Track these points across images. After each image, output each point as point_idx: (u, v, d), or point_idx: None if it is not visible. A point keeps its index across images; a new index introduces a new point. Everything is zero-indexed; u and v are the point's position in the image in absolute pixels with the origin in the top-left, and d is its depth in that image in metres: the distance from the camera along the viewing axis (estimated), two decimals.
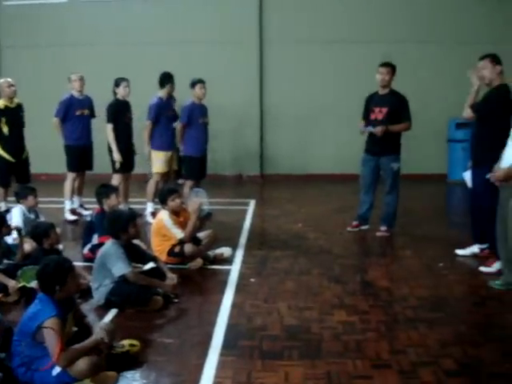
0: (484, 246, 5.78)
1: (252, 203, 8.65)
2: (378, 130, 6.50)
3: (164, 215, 5.62)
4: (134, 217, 4.89)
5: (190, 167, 7.54)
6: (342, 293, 4.87)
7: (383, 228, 6.82)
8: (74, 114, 7.64)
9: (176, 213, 5.67)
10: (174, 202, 5.63)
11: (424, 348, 3.82)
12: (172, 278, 4.75)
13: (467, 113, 5.41)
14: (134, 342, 3.73)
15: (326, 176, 10.88)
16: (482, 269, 5.48)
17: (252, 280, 5.19)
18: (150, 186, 7.65)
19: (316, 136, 10.97)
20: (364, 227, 7.04)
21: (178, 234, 5.51)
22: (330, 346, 3.84)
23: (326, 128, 10.87)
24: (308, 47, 10.74)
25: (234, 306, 4.56)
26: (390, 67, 6.60)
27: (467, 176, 5.77)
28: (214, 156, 9.93)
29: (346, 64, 10.68)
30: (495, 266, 5.40)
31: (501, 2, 10.62)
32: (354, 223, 7.06)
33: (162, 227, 5.59)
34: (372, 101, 6.80)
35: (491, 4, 10.65)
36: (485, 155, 5.23)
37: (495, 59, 5.38)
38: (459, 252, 5.96)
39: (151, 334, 4.10)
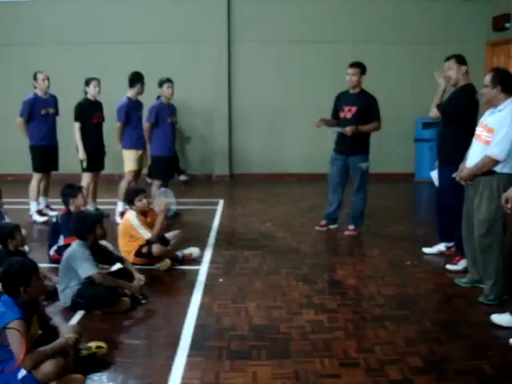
0: (450, 244, 5.86)
1: (221, 203, 8.62)
2: (348, 129, 6.53)
3: (131, 215, 5.57)
4: (100, 218, 4.83)
5: (158, 167, 7.48)
6: (311, 292, 4.89)
7: (351, 227, 6.86)
8: (39, 114, 7.52)
9: (143, 213, 5.63)
10: (140, 202, 5.58)
11: (391, 346, 3.86)
12: (139, 279, 4.71)
13: (434, 112, 5.47)
14: (101, 344, 3.69)
15: (294, 175, 10.91)
16: (449, 267, 5.56)
17: (220, 280, 5.18)
18: (122, 186, 7.57)
19: (284, 135, 10.99)
20: (333, 226, 7.08)
21: (146, 234, 5.47)
22: (299, 345, 3.86)
23: (294, 127, 10.88)
24: (276, 47, 10.74)
25: (203, 306, 4.55)
26: (359, 68, 6.63)
27: (434, 175, 5.84)
28: (182, 156, 9.93)
29: (314, 64, 10.72)
30: (461, 264, 5.48)
31: (465, 3, 10.78)
32: (323, 222, 7.09)
33: (129, 227, 5.54)
34: (342, 99, 6.84)
35: (456, 5, 10.80)
36: (451, 154, 5.30)
37: (460, 60, 5.45)
38: (426, 250, 6.04)
39: (118, 336, 4.07)
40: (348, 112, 6.66)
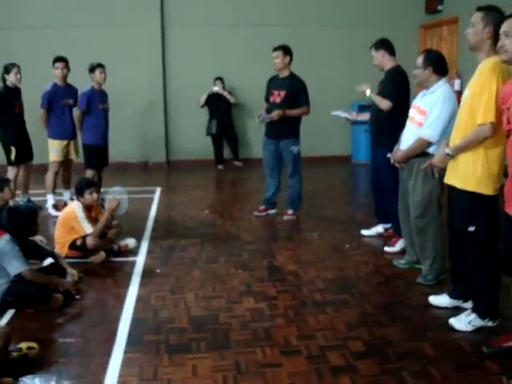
0: (388, 225, 5.91)
1: (158, 191, 8.44)
2: (274, 114, 6.49)
3: (77, 207, 5.32)
4: (35, 214, 4.59)
5: (90, 156, 7.21)
6: (250, 279, 4.82)
7: (289, 211, 6.84)
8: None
9: (88, 207, 5.42)
10: (90, 196, 5.37)
11: (332, 331, 3.84)
12: (72, 274, 4.54)
13: (386, 104, 5.41)
14: (33, 344, 3.52)
15: (233, 160, 10.79)
16: (386, 249, 5.61)
17: (158, 271, 5.04)
18: (48, 177, 7.28)
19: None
20: (271, 211, 7.03)
21: (88, 228, 5.25)
22: (239, 335, 3.78)
23: (230, 112, 10.74)
24: (212, 30, 10.53)
25: (140, 299, 4.40)
26: (281, 50, 6.55)
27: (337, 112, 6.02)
28: (117, 143, 9.65)
29: (250, 48, 10.58)
30: (398, 245, 5.53)
31: None
32: (261, 208, 7.04)
33: (72, 219, 5.28)
34: (272, 84, 6.79)
35: None
36: (384, 136, 5.32)
37: (377, 45, 5.59)
38: (364, 232, 6.07)
39: (51, 335, 3.90)
40: (277, 96, 6.61)
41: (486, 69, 3.50)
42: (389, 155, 4.98)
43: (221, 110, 10.36)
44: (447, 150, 3.70)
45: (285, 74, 6.63)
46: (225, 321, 3.99)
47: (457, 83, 8.97)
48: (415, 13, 10.76)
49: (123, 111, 10.09)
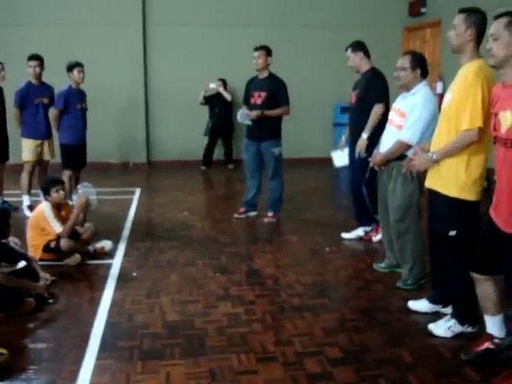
0: (368, 228, 5.87)
1: (137, 192, 8.33)
2: (254, 113, 6.43)
3: (45, 207, 5.21)
4: (6, 214, 4.47)
5: (67, 156, 7.08)
6: (228, 283, 4.73)
7: (270, 214, 6.77)
8: None
9: (58, 206, 5.30)
10: (57, 194, 5.24)
11: (309, 337, 3.76)
12: (45, 278, 4.42)
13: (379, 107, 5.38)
14: (2, 350, 3.40)
15: (214, 162, 10.70)
16: (374, 239, 5.76)
17: (134, 274, 4.93)
18: (23, 178, 7.14)
19: (203, 120, 10.73)
20: (252, 213, 6.96)
21: (57, 227, 5.14)
22: (214, 341, 3.69)
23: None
24: (194, 30, 10.46)
25: (114, 303, 4.30)
26: (264, 50, 6.49)
27: (335, 155, 5.92)
28: (97, 143, 9.54)
29: (233, 48, 10.51)
30: (380, 236, 5.57)
31: None
32: (241, 210, 6.97)
33: (41, 219, 5.17)
34: (251, 85, 6.72)
35: None
36: (368, 139, 5.28)
37: (355, 47, 5.60)
38: (344, 236, 6.02)
39: (22, 340, 3.77)
40: (258, 98, 6.54)
41: (470, 73, 3.45)
42: (357, 151, 5.01)
43: (217, 109, 10.25)
44: (432, 154, 3.64)
45: (264, 74, 6.57)
46: (200, 326, 3.90)
47: (439, 86, 8.97)
48: (398, 15, 10.77)
49: (104, 111, 10.00)
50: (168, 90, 10.59)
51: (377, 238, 5.72)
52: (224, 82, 10.24)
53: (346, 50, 5.65)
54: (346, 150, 5.99)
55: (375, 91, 5.33)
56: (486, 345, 3.43)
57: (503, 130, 2.96)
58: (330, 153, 6.07)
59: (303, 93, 10.47)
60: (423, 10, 10.07)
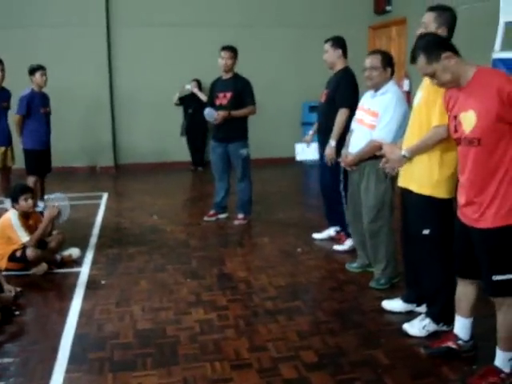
0: (340, 228, 5.83)
1: (105, 196, 8.17)
2: (220, 114, 6.36)
3: (12, 215, 5.05)
4: None
5: (31, 161, 6.90)
6: (199, 288, 4.65)
7: (240, 216, 6.70)
8: None
9: (25, 215, 5.15)
10: (25, 203, 5.07)
11: (284, 341, 3.70)
12: (9, 290, 4.27)
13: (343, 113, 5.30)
14: None
15: (183, 164, 10.59)
16: (335, 247, 5.62)
17: (103, 282, 4.81)
18: None
19: (170, 123, 10.61)
20: (222, 216, 6.88)
21: (23, 237, 4.98)
22: (187, 349, 3.61)
23: (179, 114, 10.52)
24: (159, 31, 10.30)
25: (83, 313, 4.17)
26: (232, 51, 6.42)
27: (298, 148, 5.86)
28: (62, 147, 9.36)
29: (198, 48, 10.39)
30: (347, 244, 5.52)
31: None
32: (211, 212, 6.88)
33: (7, 227, 5.00)
34: (216, 86, 6.64)
35: None
36: (329, 136, 5.22)
37: (335, 43, 5.43)
38: (316, 236, 5.98)
39: None
40: (223, 98, 6.46)
41: None
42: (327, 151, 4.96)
43: (191, 110, 10.15)
44: (403, 152, 3.61)
45: (229, 75, 6.50)
46: (172, 334, 3.81)
47: (406, 84, 9.02)
48: (364, 13, 10.77)
49: (68, 114, 9.81)
50: (135, 92, 10.43)
51: (340, 247, 5.63)
52: (199, 83, 10.15)
53: (326, 43, 5.47)
54: (312, 146, 5.93)
55: (342, 94, 5.21)
56: (449, 343, 3.47)
57: (467, 130, 2.96)
58: (294, 144, 5.98)
59: (270, 92, 10.43)
60: (388, 8, 10.08)
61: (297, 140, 10.85)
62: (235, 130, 6.47)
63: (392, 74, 4.48)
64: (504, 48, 5.54)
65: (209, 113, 6.46)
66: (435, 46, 3.02)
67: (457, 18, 3.61)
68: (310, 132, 6.01)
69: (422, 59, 3.03)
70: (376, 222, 4.53)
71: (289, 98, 10.80)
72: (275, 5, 10.68)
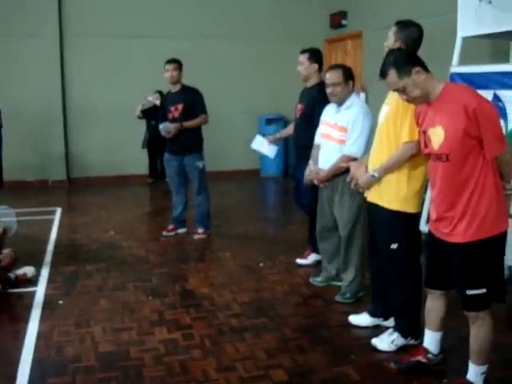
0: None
1: (58, 212, 7.93)
2: (172, 126, 6.28)
3: None
4: None
5: None
6: (162, 307, 4.50)
7: (200, 230, 6.59)
8: None
9: None
10: None
11: (252, 360, 3.61)
12: None
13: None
14: None
15: (139, 177, 10.42)
16: (298, 261, 5.55)
17: (60, 302, 4.60)
18: None
19: (125, 135, 10.41)
20: (181, 230, 6.75)
21: None
22: (152, 371, 3.47)
23: (134, 127, 10.34)
24: (113, 41, 10.11)
25: (41, 335, 3.97)
26: (176, 63, 6.35)
27: (258, 139, 5.84)
28: (12, 160, 9.08)
29: (154, 60, 10.21)
30: (311, 258, 5.47)
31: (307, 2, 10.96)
32: (170, 227, 6.74)
33: None
34: (167, 100, 6.56)
35: (295, 1, 10.92)
36: (306, 151, 5.12)
37: (312, 56, 5.22)
38: (299, 261, 5.66)
39: None
40: (175, 111, 6.37)
41: None
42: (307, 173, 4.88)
43: (153, 123, 9.98)
44: (373, 173, 3.57)
45: (177, 87, 6.41)
46: (136, 356, 3.66)
47: (362, 97, 9.07)
48: (320, 27, 10.83)
49: (19, 126, 9.56)
50: (89, 103, 10.20)
51: (303, 261, 5.55)
52: (162, 95, 10.00)
53: (301, 54, 5.26)
54: (271, 147, 5.91)
55: (321, 112, 4.91)
56: (419, 358, 3.45)
57: (436, 145, 2.96)
58: (256, 135, 5.94)
59: (228, 105, 10.39)
60: (344, 21, 10.17)
61: (253, 152, 10.88)
62: (190, 142, 6.38)
63: (353, 86, 4.47)
64: (461, 62, 5.62)
65: (164, 127, 6.35)
66: (405, 60, 3.00)
67: (422, 33, 3.62)
68: (277, 135, 5.97)
69: (392, 74, 3.01)
70: (352, 235, 4.50)
71: (246, 111, 10.76)
72: (233, 17, 10.66)
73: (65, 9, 9.96)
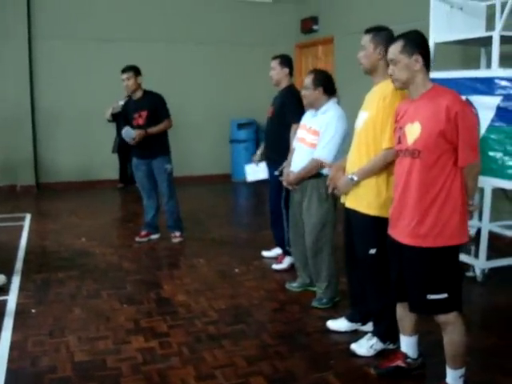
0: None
1: (28, 218, 7.79)
2: (136, 134, 6.24)
3: None
4: None
5: None
6: (137, 314, 4.44)
7: (177, 233, 6.60)
8: None
9: None
10: None
11: (231, 368, 3.57)
12: None
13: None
14: None
15: (109, 182, 10.29)
16: (274, 266, 5.55)
17: (33, 311, 4.49)
18: None
19: (95, 139, 10.27)
20: (154, 236, 6.70)
21: None
22: (131, 381, 3.40)
23: (104, 131, 10.20)
24: (85, 44, 9.98)
25: (14, 345, 3.87)
26: (131, 71, 6.28)
27: (249, 169, 5.79)
28: None
29: (124, 63, 10.14)
30: (286, 262, 5.48)
31: (275, 5, 10.95)
32: (143, 233, 6.68)
33: None
34: (129, 108, 6.51)
35: (267, 6, 10.93)
36: (278, 155, 5.15)
37: (283, 61, 5.41)
38: (265, 254, 5.95)
39: None
40: (139, 118, 6.32)
41: (388, 92, 3.42)
42: (277, 172, 4.91)
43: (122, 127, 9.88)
44: (352, 176, 3.58)
45: (138, 94, 6.37)
46: (113, 365, 3.59)
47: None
48: (291, 32, 10.89)
49: None
50: (59, 107, 10.03)
51: (278, 266, 5.57)
52: None
53: (273, 59, 5.45)
54: (261, 165, 5.80)
55: (292, 111, 5.11)
56: (398, 363, 3.47)
57: (410, 141, 2.98)
58: (244, 166, 5.89)
59: (199, 110, 10.37)
60: (315, 27, 10.21)
61: (226, 158, 10.88)
62: (157, 146, 6.35)
63: (331, 93, 4.47)
64: (433, 68, 5.65)
65: (126, 132, 6.28)
66: (417, 44, 3.00)
67: (394, 36, 3.64)
68: (258, 152, 5.88)
69: (398, 44, 3.01)
70: (318, 241, 4.49)
71: (217, 115, 10.73)
72: (204, 21, 10.63)
73: (34, 11, 9.80)
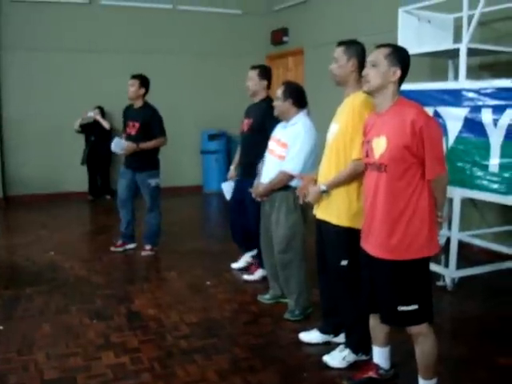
0: (255, 252, 5.67)
1: None
2: (127, 147, 6.21)
3: None
4: None
5: None
6: (108, 330, 4.36)
7: (148, 247, 6.52)
8: None
9: None
10: None
11: (204, 383, 3.54)
12: None
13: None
14: None
15: (79, 194, 10.16)
16: (245, 277, 5.54)
17: (0, 328, 4.39)
18: None
19: (65, 151, 10.15)
20: (130, 246, 6.66)
21: None
22: None
23: (73, 141, 10.09)
24: (54, 55, 9.86)
25: None
26: (137, 79, 6.28)
27: (226, 187, 5.68)
28: None
29: (99, 74, 10.09)
30: (258, 274, 5.47)
31: (246, 16, 10.99)
32: (119, 242, 6.63)
33: None
34: (127, 114, 6.47)
35: (237, 18, 10.96)
36: (253, 168, 5.10)
37: (262, 73, 5.33)
38: (234, 266, 5.92)
39: None
40: (132, 128, 6.29)
41: (357, 104, 3.44)
42: (249, 190, 4.85)
43: (93, 138, 9.82)
44: (322, 187, 3.59)
45: (139, 104, 6.34)
46: (84, 383, 3.51)
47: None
48: (261, 43, 10.93)
49: None
50: (26, 118, 9.88)
51: (250, 277, 5.56)
52: (102, 110, 9.85)
53: (252, 69, 5.34)
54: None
55: (272, 124, 4.86)
56: (370, 374, 3.47)
57: (377, 155, 3.00)
58: (221, 185, 5.81)
59: (170, 119, 10.27)
60: (285, 38, 10.28)
61: (197, 169, 10.84)
62: (145, 160, 6.30)
63: (301, 105, 4.47)
64: None
65: (117, 143, 6.23)
66: (402, 58, 3.01)
67: (365, 50, 3.67)
68: (232, 167, 5.80)
69: (385, 50, 3.01)
70: (287, 253, 4.49)
71: (188, 126, 10.70)
72: (174, 33, 10.62)
73: (0, 22, 9.67)
